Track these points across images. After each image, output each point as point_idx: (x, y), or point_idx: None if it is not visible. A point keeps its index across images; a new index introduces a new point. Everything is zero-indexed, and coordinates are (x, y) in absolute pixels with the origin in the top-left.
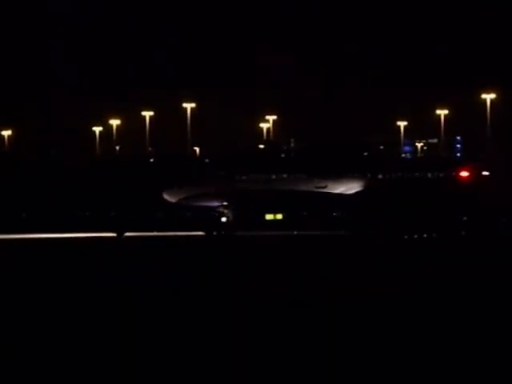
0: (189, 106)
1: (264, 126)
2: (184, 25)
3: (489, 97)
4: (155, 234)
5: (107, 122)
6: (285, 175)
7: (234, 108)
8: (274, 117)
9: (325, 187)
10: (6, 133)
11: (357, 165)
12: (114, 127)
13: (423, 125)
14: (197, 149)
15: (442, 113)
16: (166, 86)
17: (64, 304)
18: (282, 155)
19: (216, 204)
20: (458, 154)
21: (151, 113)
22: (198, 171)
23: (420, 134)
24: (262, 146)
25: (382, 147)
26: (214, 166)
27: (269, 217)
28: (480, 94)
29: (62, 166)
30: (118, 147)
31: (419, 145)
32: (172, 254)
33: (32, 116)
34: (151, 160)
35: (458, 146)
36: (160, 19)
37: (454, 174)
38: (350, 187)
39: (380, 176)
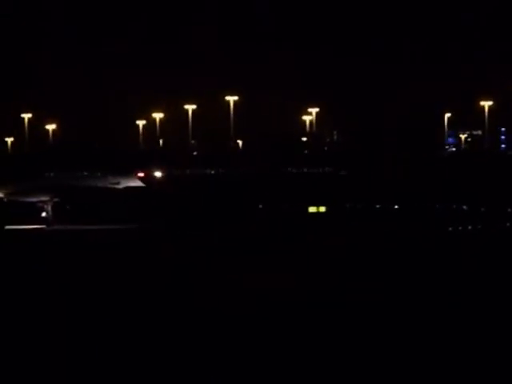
0: (231, 98)
1: (307, 118)
2: (225, 22)
3: None
4: None
5: (150, 115)
6: (85, 173)
7: (277, 100)
8: (317, 109)
9: (118, 183)
10: (51, 127)
11: (147, 162)
12: (158, 121)
13: (468, 116)
14: (240, 142)
15: (486, 104)
16: (209, 80)
17: None
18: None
19: (35, 199)
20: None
21: (194, 106)
22: (23, 167)
23: (465, 125)
24: (304, 139)
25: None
26: (37, 163)
27: (312, 209)
28: None
29: None
30: (161, 141)
31: (463, 136)
32: None
33: (76, 110)
34: (194, 153)
35: (503, 137)
36: (200, 14)
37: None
38: (138, 183)
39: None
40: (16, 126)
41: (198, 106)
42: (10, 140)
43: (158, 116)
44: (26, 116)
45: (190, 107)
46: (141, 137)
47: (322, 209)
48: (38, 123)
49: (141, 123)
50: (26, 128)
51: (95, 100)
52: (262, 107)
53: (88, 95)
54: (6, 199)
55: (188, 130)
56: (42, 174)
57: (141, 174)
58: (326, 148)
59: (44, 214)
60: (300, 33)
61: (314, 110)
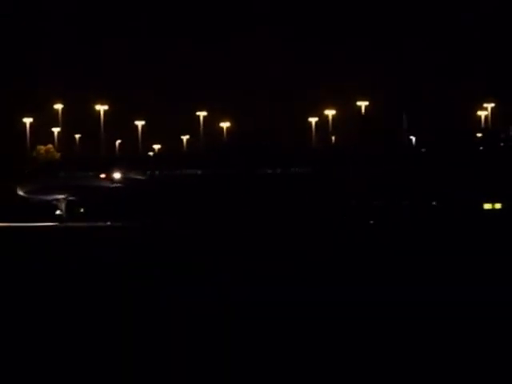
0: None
1: (482, 113)
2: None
3: None
4: None
5: (323, 112)
6: (91, 173)
7: (451, 95)
8: (492, 104)
9: (118, 183)
10: (225, 125)
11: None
12: (330, 118)
13: None
14: (412, 138)
15: None
16: (379, 76)
17: None
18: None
19: (50, 198)
20: None
21: (366, 103)
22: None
23: None
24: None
25: None
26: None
27: (487, 206)
28: None
29: None
30: (333, 137)
31: None
32: None
33: (249, 108)
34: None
35: None
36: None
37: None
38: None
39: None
40: (192, 124)
41: (369, 103)
42: (185, 138)
43: (330, 113)
44: (201, 114)
45: (363, 104)
46: (313, 134)
47: (498, 205)
48: (212, 121)
49: (313, 120)
50: (201, 126)
51: (270, 98)
52: (434, 103)
53: (261, 93)
54: (25, 197)
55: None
56: (56, 174)
57: (103, 176)
58: (501, 144)
59: (58, 212)
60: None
61: (490, 106)
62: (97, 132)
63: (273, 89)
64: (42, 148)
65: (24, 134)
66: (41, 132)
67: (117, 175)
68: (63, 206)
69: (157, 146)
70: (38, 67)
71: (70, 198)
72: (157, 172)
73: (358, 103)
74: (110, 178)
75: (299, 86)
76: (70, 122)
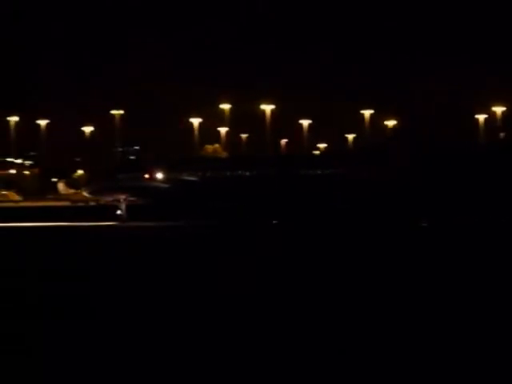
0: None
1: None
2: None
3: None
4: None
5: (491, 108)
6: (130, 174)
7: None
8: None
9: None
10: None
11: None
12: (499, 114)
13: None
14: None
15: None
16: None
17: None
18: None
19: (111, 198)
20: None
21: None
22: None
23: None
24: None
25: None
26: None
27: None
28: None
29: None
30: (502, 134)
31: None
32: None
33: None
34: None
35: None
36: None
37: None
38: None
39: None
40: (357, 122)
41: None
42: (351, 136)
43: (499, 110)
44: (367, 112)
45: None
46: (481, 130)
47: None
48: (378, 119)
49: (481, 117)
50: (367, 124)
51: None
52: None
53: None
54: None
55: None
56: (115, 175)
57: (146, 176)
58: None
59: (119, 212)
60: None
61: None
62: (263, 131)
63: (437, 87)
64: (209, 147)
65: (192, 134)
66: (208, 132)
67: (159, 175)
68: (123, 206)
69: (322, 145)
70: (205, 68)
71: (130, 199)
72: (208, 173)
73: None
74: (153, 179)
75: (466, 84)
76: (236, 121)
